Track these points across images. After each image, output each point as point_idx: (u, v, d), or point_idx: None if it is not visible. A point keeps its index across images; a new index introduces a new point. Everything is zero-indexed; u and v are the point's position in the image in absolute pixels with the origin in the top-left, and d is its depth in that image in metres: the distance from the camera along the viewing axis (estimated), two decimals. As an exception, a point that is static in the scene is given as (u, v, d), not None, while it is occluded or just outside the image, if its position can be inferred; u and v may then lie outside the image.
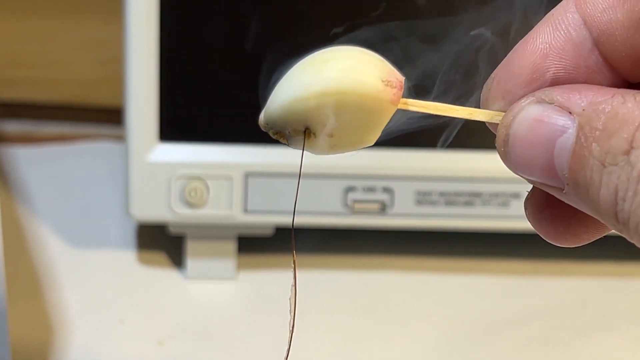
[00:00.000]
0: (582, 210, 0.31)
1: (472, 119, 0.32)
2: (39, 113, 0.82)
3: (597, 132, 0.29)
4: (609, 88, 0.30)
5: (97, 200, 0.73)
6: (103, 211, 0.72)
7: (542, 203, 0.33)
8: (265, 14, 0.61)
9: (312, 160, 0.62)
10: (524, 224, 0.65)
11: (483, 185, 0.64)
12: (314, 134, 0.32)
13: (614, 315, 0.65)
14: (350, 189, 0.63)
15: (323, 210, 0.64)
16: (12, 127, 0.82)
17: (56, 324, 0.62)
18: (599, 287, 0.68)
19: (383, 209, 0.64)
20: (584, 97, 0.30)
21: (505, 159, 0.31)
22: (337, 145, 0.32)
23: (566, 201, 0.31)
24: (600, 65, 0.32)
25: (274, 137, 0.33)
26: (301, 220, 0.64)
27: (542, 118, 0.30)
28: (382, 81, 0.32)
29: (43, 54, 0.80)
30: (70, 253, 0.68)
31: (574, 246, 0.33)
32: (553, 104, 0.30)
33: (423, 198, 0.64)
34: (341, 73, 0.31)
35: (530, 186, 0.33)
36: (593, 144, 0.29)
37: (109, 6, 0.78)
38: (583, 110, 0.30)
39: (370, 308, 0.65)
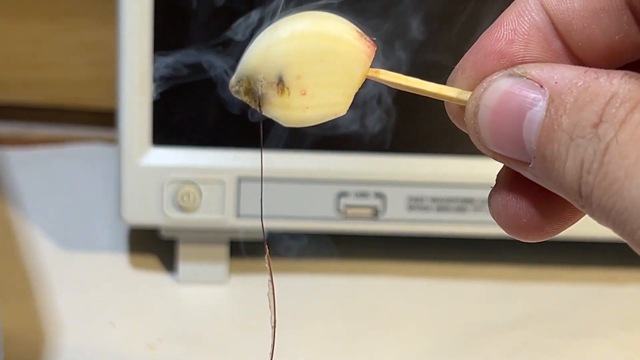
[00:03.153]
0: (545, 186, 0.30)
1: (441, 94, 0.32)
2: (31, 115, 0.82)
3: (568, 105, 0.29)
4: (581, 66, 0.30)
5: (89, 203, 0.73)
6: (95, 214, 0.72)
7: (505, 195, 0.33)
8: (258, 17, 0.61)
9: (305, 165, 0.63)
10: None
11: (475, 191, 0.64)
12: (288, 89, 0.32)
13: (602, 321, 0.66)
14: (342, 194, 0.64)
15: (315, 215, 0.64)
16: (4, 129, 0.82)
17: (47, 327, 0.61)
18: (587, 293, 0.68)
19: (375, 214, 0.64)
20: (556, 72, 0.30)
21: (474, 131, 0.31)
22: (310, 107, 0.33)
23: (531, 177, 0.31)
24: (566, 50, 0.32)
25: (245, 98, 0.33)
26: (293, 225, 0.64)
27: (513, 90, 0.30)
28: (357, 32, 0.33)
29: (35, 56, 0.80)
30: (61, 256, 0.68)
31: (537, 241, 0.33)
32: (525, 77, 0.30)
33: (415, 204, 0.64)
34: (319, 19, 0.33)
35: (493, 182, 0.33)
36: (562, 116, 0.29)
37: (102, 8, 0.78)
38: (555, 83, 0.30)
39: (362, 313, 0.65)
